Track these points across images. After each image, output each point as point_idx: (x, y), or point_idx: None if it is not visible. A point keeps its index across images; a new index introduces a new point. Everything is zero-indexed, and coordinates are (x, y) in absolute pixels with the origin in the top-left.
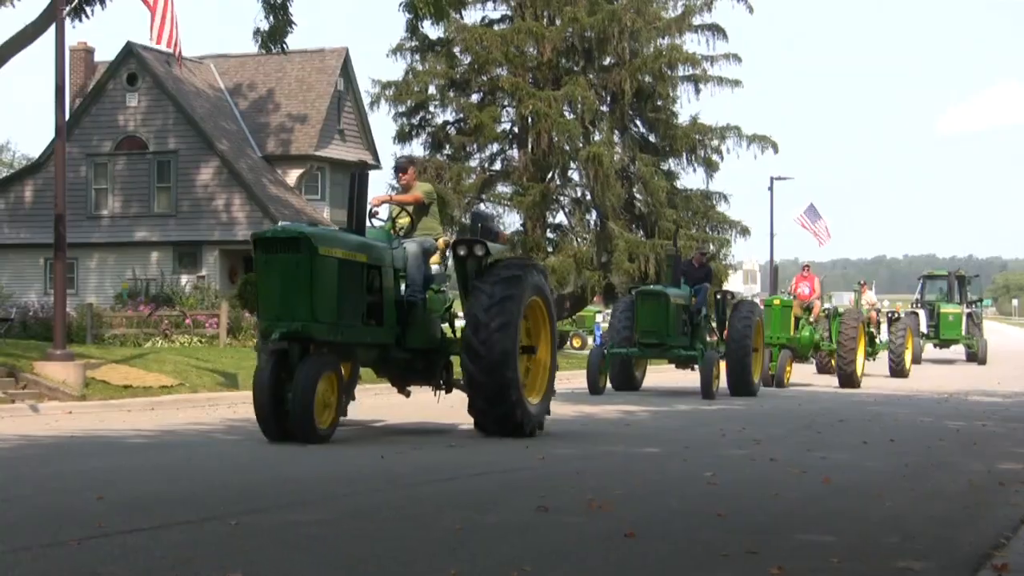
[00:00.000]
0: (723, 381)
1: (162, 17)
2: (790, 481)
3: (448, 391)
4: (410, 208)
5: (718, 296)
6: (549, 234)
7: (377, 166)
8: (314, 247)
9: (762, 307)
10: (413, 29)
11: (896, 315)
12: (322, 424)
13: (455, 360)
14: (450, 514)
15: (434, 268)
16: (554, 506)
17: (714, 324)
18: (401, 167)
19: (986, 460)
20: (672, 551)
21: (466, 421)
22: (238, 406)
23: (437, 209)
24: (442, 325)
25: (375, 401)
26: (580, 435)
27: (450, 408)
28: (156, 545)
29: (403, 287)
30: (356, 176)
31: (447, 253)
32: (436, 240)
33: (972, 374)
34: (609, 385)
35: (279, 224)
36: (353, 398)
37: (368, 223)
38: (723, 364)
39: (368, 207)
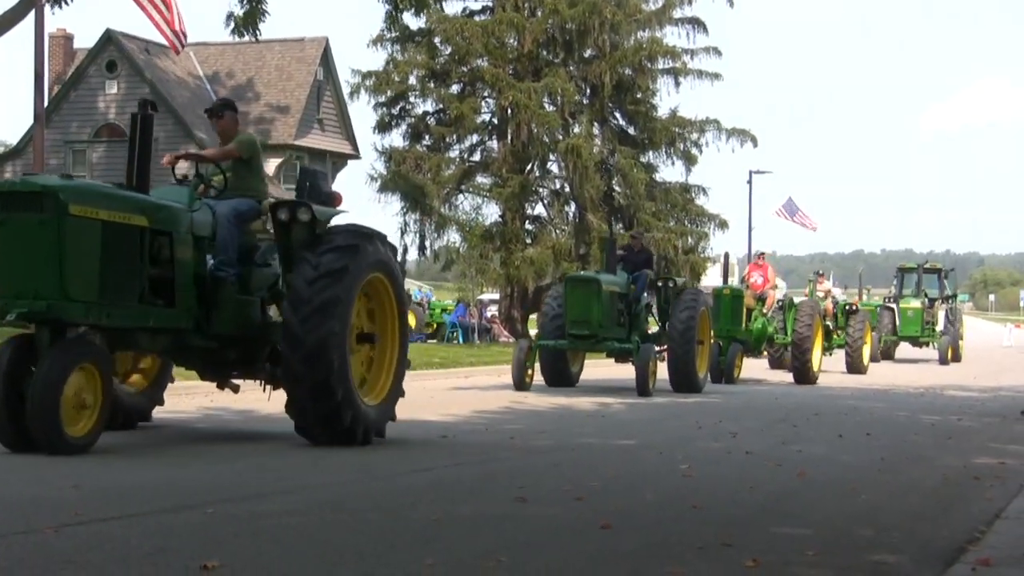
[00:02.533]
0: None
1: (166, 12)
2: (766, 474)
3: (276, 387)
4: (224, 164)
5: (659, 284)
6: (528, 226)
7: (357, 156)
8: (63, 204)
9: (710, 296)
10: (392, 20)
11: (854, 308)
12: (76, 430)
13: None
14: (427, 505)
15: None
16: (532, 497)
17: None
18: (215, 112)
19: (961, 455)
20: (647, 543)
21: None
22: (214, 395)
23: (261, 164)
24: (269, 307)
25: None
26: (556, 426)
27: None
28: (131, 533)
29: (210, 259)
30: (136, 119)
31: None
32: (259, 203)
33: (937, 373)
34: (542, 381)
35: (19, 176)
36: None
37: (174, 182)
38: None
39: (172, 166)
